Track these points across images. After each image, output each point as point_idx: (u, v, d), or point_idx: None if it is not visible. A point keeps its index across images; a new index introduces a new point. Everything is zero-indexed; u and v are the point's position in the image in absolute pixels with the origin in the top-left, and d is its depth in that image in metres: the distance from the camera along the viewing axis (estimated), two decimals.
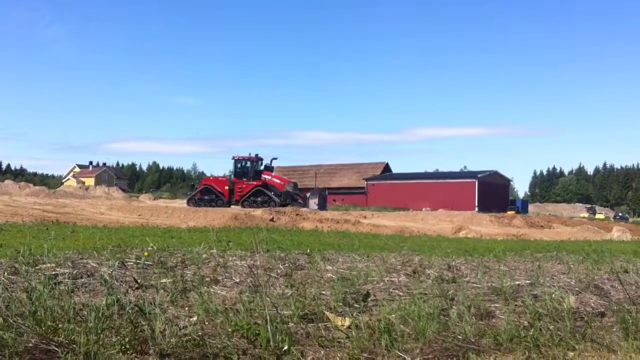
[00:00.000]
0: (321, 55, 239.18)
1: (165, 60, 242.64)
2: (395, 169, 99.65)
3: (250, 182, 41.85)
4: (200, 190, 43.18)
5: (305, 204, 40.53)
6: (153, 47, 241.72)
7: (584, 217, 79.49)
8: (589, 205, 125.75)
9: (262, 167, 43.17)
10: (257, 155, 43.25)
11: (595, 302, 6.67)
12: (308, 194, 42.48)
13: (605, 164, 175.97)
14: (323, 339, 4.91)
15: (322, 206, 41.39)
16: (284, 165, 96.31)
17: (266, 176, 42.39)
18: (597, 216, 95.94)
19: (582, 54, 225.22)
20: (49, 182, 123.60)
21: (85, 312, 4.74)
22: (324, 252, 9.59)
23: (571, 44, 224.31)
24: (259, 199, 40.88)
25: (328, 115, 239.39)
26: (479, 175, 79.86)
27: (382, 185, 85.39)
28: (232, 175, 43.56)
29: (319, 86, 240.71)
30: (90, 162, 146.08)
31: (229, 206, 39.56)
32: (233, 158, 43.58)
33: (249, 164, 42.79)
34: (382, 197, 78.38)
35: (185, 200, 45.75)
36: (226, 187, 42.51)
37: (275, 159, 45.56)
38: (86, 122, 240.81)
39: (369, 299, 6.00)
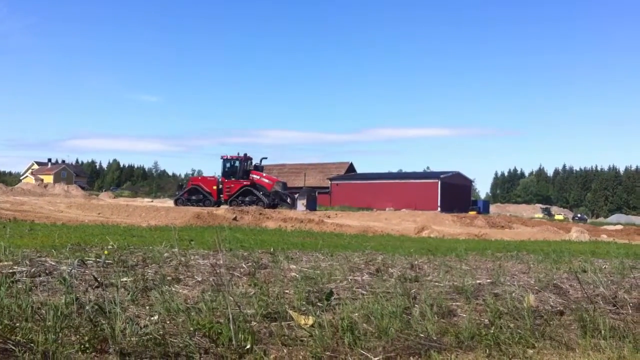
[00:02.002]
0: (285, 55, 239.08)
1: (126, 57, 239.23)
2: (359, 169, 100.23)
3: (239, 182, 41.43)
4: (188, 190, 42.57)
5: (293, 205, 40.29)
6: (112, 44, 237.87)
7: (538, 218, 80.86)
8: (544, 206, 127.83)
9: (251, 167, 42.75)
10: (245, 154, 42.73)
11: (555, 301, 6.79)
12: (296, 195, 42.17)
13: (564, 166, 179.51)
14: (286, 337, 4.89)
15: (311, 207, 41.12)
16: None
17: (255, 176, 41.87)
18: (557, 217, 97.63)
19: (542, 58, 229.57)
20: (6, 179, 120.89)
21: (44, 311, 4.65)
22: (288, 251, 9.57)
23: (531, 48, 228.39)
24: (247, 198, 40.40)
25: (292, 114, 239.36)
26: (441, 176, 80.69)
27: (346, 185, 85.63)
28: (221, 175, 43.07)
29: (283, 85, 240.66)
30: (49, 160, 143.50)
31: (218, 206, 39.00)
32: (222, 157, 43.07)
33: (237, 163, 42.27)
34: (346, 197, 78.56)
35: (150, 199, 45.12)
36: (214, 187, 41.99)
37: (265, 158, 45.12)
38: (43, 119, 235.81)
39: (333, 298, 6.01)
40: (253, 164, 43.09)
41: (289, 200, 40.97)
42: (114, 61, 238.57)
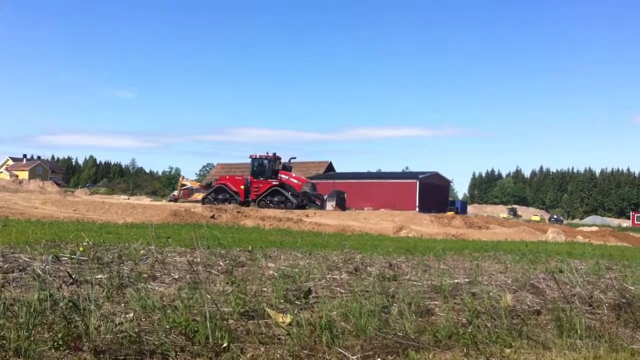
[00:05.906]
0: (260, 53, 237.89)
1: (102, 52, 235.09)
2: (338, 169, 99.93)
3: (267, 182, 40.59)
4: (215, 190, 41.87)
5: (322, 205, 39.87)
6: (88, 39, 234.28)
7: (504, 217, 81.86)
8: (510, 206, 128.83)
9: (280, 167, 41.86)
10: (275, 154, 41.83)
11: (531, 301, 6.83)
12: (326, 196, 41.46)
13: (541, 168, 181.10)
14: (263, 335, 4.85)
15: (341, 207, 40.66)
16: (224, 162, 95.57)
17: (283, 176, 41.04)
18: (533, 218, 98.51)
19: (519, 59, 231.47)
20: None
21: (17, 308, 4.56)
22: (266, 249, 9.53)
23: (508, 49, 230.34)
24: (276, 198, 39.68)
25: (269, 113, 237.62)
26: (420, 176, 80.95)
27: (325, 185, 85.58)
28: (249, 174, 42.18)
29: (259, 83, 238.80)
30: (24, 155, 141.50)
31: (248, 206, 38.20)
32: (250, 157, 42.24)
33: (266, 162, 41.28)
34: None
35: (126, 197, 44.59)
36: (242, 187, 40.99)
37: (294, 158, 44.41)
38: (19, 114, 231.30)
39: (311, 296, 5.98)
40: (282, 163, 42.55)
41: (317, 201, 40.50)
42: (89, 56, 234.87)
